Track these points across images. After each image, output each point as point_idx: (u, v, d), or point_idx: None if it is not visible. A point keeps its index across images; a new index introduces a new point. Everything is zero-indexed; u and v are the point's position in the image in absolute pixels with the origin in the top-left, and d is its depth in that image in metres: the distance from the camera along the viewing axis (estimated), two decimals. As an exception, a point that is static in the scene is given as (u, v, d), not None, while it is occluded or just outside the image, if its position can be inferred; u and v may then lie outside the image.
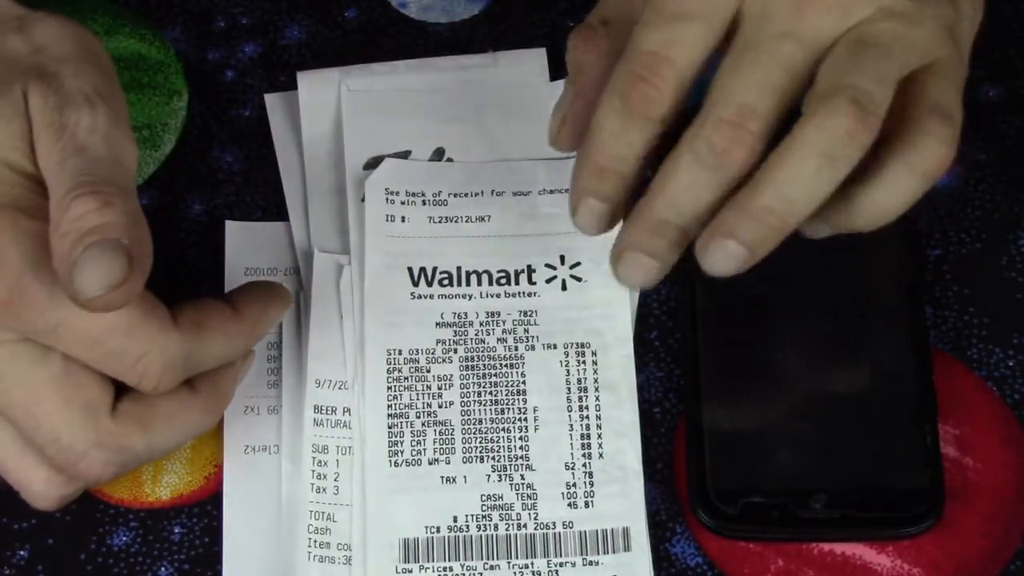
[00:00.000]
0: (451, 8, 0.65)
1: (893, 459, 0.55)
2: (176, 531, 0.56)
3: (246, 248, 0.60)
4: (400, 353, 0.57)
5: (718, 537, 0.55)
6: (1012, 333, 0.58)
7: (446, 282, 0.58)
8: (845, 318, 0.57)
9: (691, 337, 0.57)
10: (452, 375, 0.57)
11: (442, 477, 0.56)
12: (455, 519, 0.55)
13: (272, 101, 0.63)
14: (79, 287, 0.46)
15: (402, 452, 0.56)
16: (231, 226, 0.60)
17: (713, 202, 0.49)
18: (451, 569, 0.54)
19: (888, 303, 0.57)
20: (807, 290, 0.58)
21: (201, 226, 0.61)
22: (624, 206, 0.51)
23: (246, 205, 0.61)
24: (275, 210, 0.61)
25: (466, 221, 0.59)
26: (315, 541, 0.55)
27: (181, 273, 0.60)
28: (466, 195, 0.60)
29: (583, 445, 0.56)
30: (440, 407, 0.57)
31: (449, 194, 0.60)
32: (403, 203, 0.59)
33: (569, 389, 0.57)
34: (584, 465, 0.56)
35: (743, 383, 0.56)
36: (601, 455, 0.56)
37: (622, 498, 0.55)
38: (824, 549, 0.55)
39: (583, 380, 0.57)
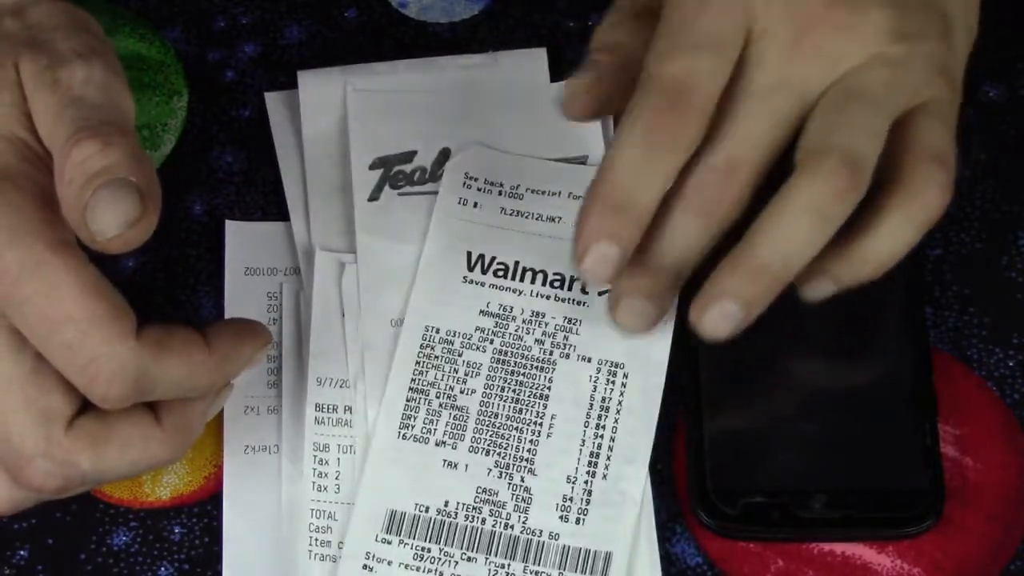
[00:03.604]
0: (451, 8, 0.65)
1: (893, 459, 0.55)
2: (176, 531, 0.56)
3: (246, 248, 0.60)
4: (437, 332, 0.57)
5: (718, 537, 0.55)
6: (1012, 333, 0.58)
7: (500, 273, 0.58)
8: (845, 318, 0.57)
9: (691, 337, 0.57)
10: (482, 364, 0.57)
11: (444, 460, 0.55)
12: (446, 503, 0.55)
13: (272, 100, 0.62)
14: (96, 229, 0.46)
15: (412, 427, 0.56)
16: (231, 226, 0.60)
17: (704, 247, 0.51)
18: (428, 551, 0.54)
19: (888, 303, 0.57)
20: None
21: (201, 226, 0.61)
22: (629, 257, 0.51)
23: (246, 205, 0.61)
24: (275, 210, 0.61)
25: (536, 219, 0.59)
26: (316, 540, 0.55)
27: (181, 273, 0.60)
28: (543, 193, 0.60)
29: (590, 463, 0.56)
30: (461, 392, 0.56)
31: (527, 189, 0.60)
32: (479, 190, 0.59)
33: (591, 405, 0.56)
34: (586, 483, 0.55)
35: (743, 383, 0.56)
36: (605, 476, 0.56)
37: (614, 523, 0.55)
38: (824, 549, 0.55)
39: (607, 400, 0.56)
